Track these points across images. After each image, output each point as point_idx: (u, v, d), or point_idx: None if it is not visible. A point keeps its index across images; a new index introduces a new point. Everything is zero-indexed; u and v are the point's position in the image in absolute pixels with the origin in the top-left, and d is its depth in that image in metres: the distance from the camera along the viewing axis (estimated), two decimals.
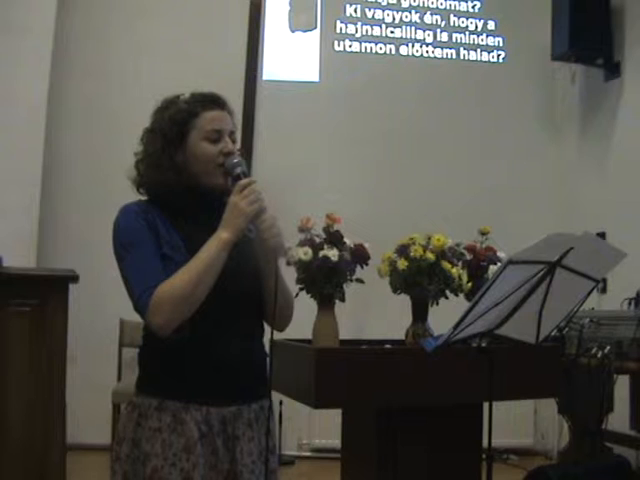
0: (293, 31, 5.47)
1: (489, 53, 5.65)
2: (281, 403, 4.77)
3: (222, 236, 1.58)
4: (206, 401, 1.61)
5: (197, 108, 1.67)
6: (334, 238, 2.67)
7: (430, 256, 2.67)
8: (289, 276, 2.70)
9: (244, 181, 1.61)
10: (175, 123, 1.66)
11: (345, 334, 2.77)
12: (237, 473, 1.62)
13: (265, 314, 1.75)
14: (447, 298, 2.74)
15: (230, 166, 1.64)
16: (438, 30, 5.60)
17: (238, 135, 1.77)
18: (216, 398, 1.62)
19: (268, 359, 1.74)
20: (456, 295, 2.76)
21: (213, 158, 1.65)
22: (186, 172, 1.65)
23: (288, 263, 2.68)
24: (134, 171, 1.70)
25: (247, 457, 1.63)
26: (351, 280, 2.68)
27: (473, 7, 5.67)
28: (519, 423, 5.02)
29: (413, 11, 5.58)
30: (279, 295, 1.66)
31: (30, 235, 4.46)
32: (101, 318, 4.72)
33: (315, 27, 5.48)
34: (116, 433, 1.67)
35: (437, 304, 2.74)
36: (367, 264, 2.70)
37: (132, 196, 1.75)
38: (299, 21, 5.47)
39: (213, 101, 1.70)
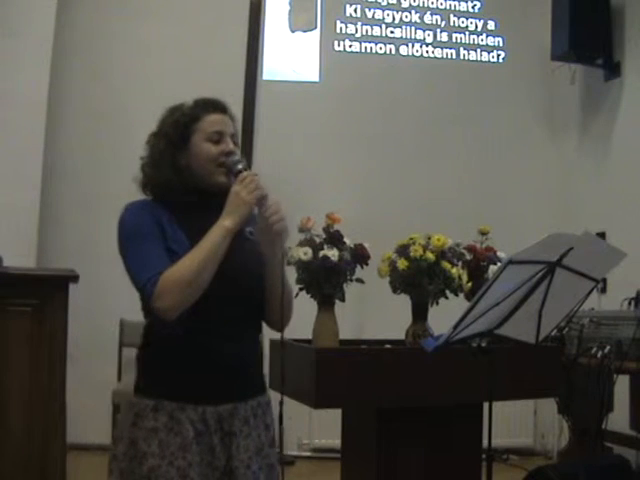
0: (293, 31, 5.47)
1: (489, 53, 5.65)
2: (281, 403, 4.77)
3: (224, 224, 1.63)
4: (202, 400, 1.64)
5: (199, 112, 1.74)
6: (334, 238, 2.66)
7: (430, 256, 2.67)
8: (289, 276, 2.72)
9: (245, 173, 1.67)
10: (178, 126, 1.72)
11: (345, 334, 2.77)
12: (233, 469, 1.65)
13: (265, 314, 1.78)
14: (447, 298, 2.74)
15: (231, 163, 1.70)
16: (438, 30, 5.60)
17: (238, 136, 1.80)
18: (211, 397, 1.65)
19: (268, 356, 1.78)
20: (456, 295, 2.76)
21: (215, 158, 1.70)
22: (189, 173, 1.70)
23: (288, 263, 2.69)
24: (140, 174, 1.74)
25: (243, 453, 1.68)
26: (351, 280, 2.68)
27: (473, 7, 5.67)
28: (519, 423, 5.02)
29: (413, 11, 5.58)
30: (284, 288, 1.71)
31: (30, 235, 4.46)
32: (101, 318, 4.71)
33: (315, 27, 5.47)
34: (114, 432, 1.71)
35: (437, 304, 2.73)
36: (367, 264, 2.70)
37: (132, 196, 1.76)
38: (299, 21, 5.47)
39: (214, 105, 1.76)
